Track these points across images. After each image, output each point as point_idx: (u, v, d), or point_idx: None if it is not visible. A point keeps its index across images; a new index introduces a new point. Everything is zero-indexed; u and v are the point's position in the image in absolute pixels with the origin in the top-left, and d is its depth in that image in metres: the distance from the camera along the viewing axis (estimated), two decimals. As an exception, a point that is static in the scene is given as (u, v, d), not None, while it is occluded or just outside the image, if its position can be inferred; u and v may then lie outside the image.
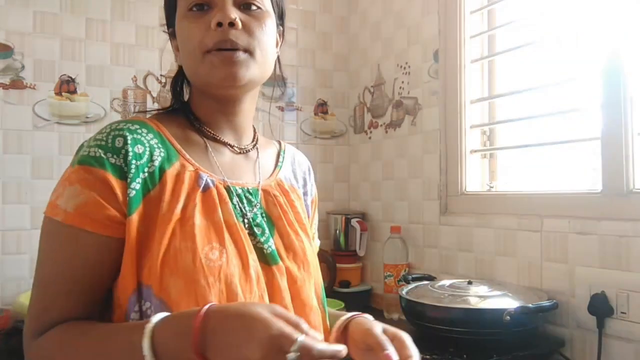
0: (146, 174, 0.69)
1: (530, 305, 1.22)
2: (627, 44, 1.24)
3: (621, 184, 1.23)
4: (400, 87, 1.93)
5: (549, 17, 1.45)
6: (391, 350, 0.66)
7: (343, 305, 1.69)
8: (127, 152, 0.68)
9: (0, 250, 1.61)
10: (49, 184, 1.67)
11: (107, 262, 0.67)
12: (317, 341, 0.55)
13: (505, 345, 1.23)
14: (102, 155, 0.67)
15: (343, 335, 0.78)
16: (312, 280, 0.80)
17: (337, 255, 2.02)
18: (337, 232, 2.05)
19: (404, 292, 1.42)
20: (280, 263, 0.76)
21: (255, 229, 0.76)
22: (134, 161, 0.68)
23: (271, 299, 0.72)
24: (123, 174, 0.67)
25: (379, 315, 1.83)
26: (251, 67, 0.74)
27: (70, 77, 1.72)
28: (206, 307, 0.58)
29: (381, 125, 2.04)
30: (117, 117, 1.78)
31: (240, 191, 0.77)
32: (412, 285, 1.50)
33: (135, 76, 1.82)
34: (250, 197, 0.78)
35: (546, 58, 1.49)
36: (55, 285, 0.66)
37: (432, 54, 1.77)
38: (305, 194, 0.93)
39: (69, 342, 0.64)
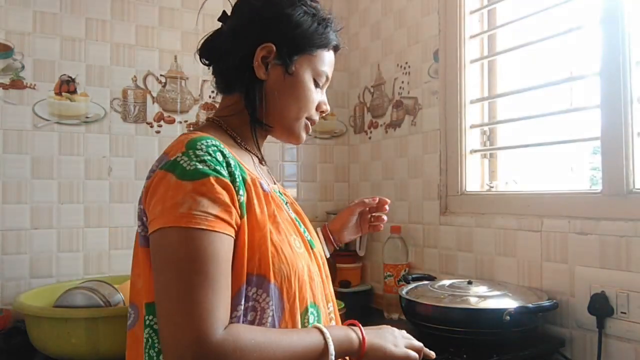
0: (241, 181, 0.78)
1: (530, 305, 1.22)
2: (628, 44, 1.23)
3: (621, 184, 1.23)
4: (400, 87, 1.93)
5: (549, 16, 1.45)
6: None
7: (343, 305, 1.68)
8: (228, 163, 0.77)
9: (0, 250, 1.61)
10: (49, 184, 1.70)
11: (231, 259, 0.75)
12: (427, 352, 0.92)
13: (505, 345, 1.23)
14: (216, 166, 0.74)
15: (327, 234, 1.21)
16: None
17: (337, 255, 2.02)
18: (337, 232, 2.05)
19: (404, 292, 1.42)
20: (316, 247, 0.94)
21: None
22: (235, 171, 0.77)
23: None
24: (232, 182, 0.76)
25: (379, 316, 1.83)
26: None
27: (70, 77, 1.72)
28: (363, 340, 0.82)
29: (381, 125, 2.04)
30: (117, 117, 1.78)
31: (279, 194, 0.93)
32: (412, 285, 1.50)
33: (135, 76, 1.82)
34: (283, 199, 0.94)
35: (546, 58, 1.49)
36: (216, 284, 0.70)
37: (432, 54, 1.77)
38: None
39: (260, 338, 0.71)
